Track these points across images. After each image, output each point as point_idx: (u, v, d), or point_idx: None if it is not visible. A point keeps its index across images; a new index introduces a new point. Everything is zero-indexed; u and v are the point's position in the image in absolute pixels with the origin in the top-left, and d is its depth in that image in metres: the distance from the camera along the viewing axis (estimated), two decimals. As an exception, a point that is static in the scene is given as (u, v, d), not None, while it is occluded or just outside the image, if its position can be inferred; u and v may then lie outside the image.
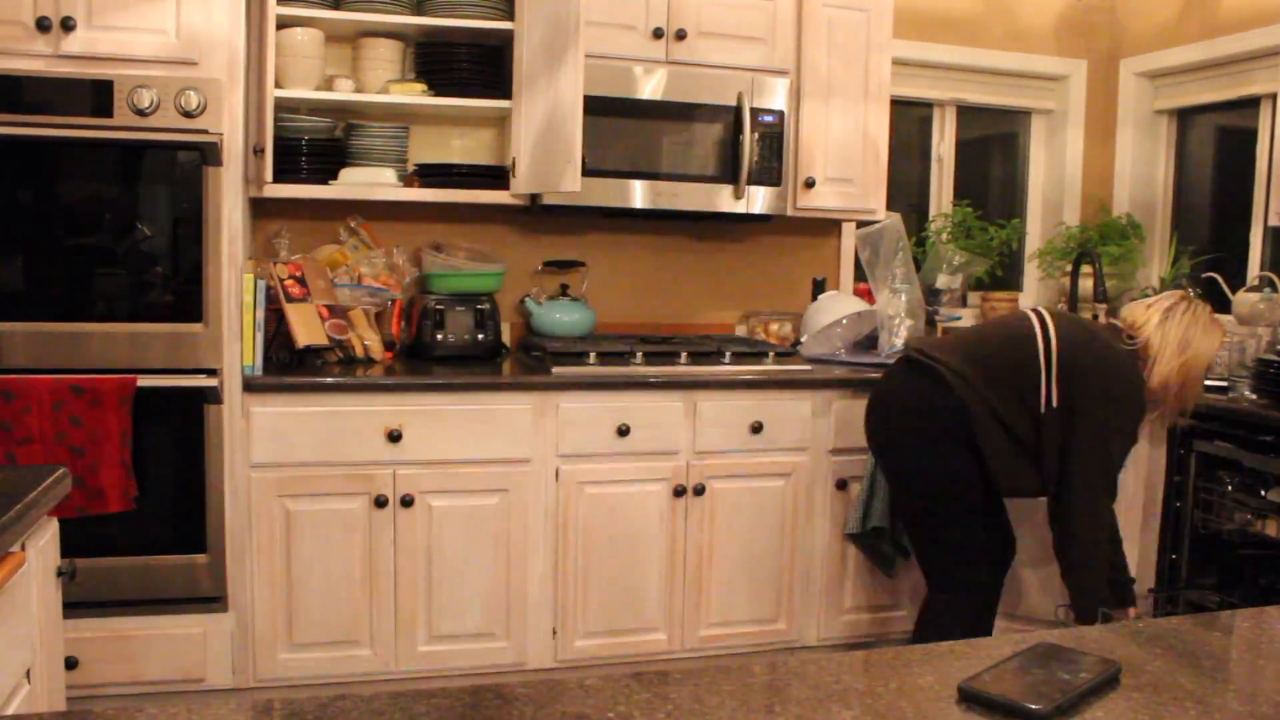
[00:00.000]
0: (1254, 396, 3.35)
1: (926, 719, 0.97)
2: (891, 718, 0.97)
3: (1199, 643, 1.20)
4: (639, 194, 3.81)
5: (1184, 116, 4.83)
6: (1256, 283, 3.97)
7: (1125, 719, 0.97)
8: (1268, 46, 4.17)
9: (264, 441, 3.24)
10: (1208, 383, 3.54)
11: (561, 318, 4.01)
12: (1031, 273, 5.06)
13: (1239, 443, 3.27)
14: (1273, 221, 3.75)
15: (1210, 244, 4.67)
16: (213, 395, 3.16)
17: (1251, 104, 4.42)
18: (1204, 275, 4.37)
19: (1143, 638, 1.21)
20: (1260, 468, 3.22)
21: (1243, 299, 3.86)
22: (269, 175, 3.40)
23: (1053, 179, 5.07)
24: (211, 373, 3.16)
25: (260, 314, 3.30)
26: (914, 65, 4.67)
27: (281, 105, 3.54)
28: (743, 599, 3.70)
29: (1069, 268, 4.47)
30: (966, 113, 4.98)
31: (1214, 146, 4.78)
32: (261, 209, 3.78)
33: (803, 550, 3.74)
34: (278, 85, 3.47)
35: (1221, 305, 4.17)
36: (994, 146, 5.20)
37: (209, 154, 3.10)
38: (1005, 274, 4.91)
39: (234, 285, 3.20)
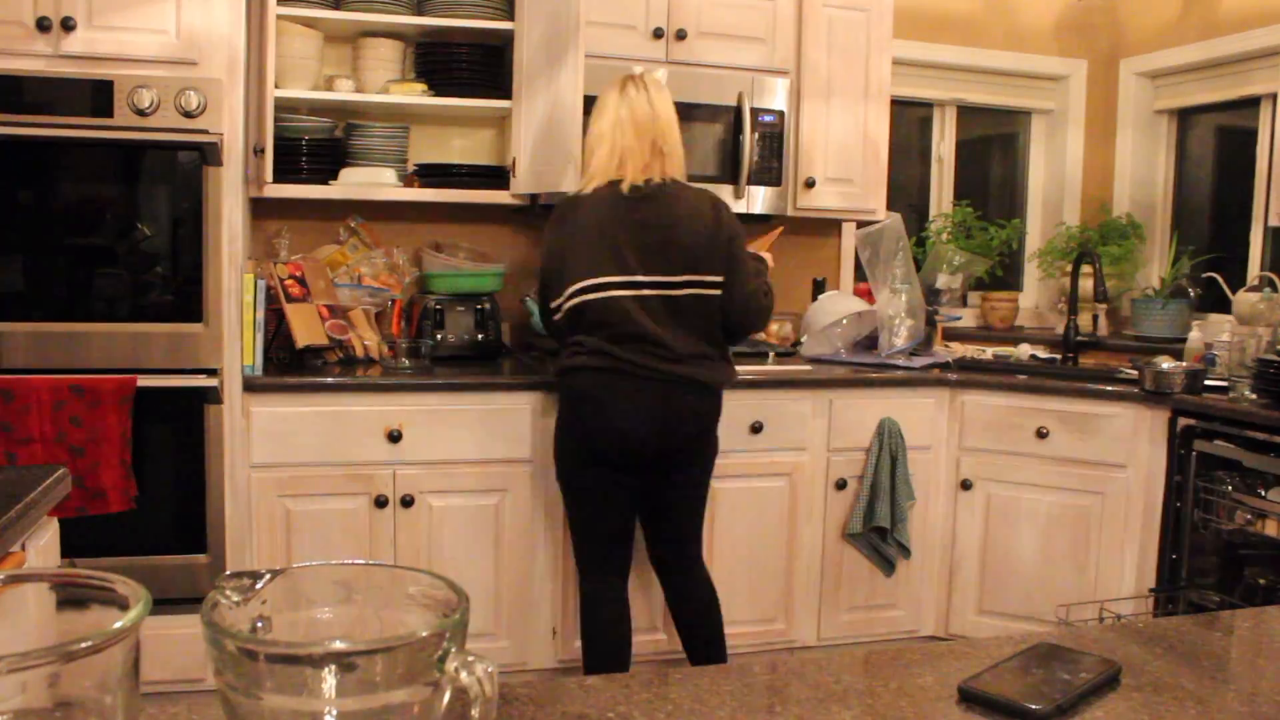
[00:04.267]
0: (1254, 396, 3.35)
1: (926, 719, 0.97)
2: (891, 717, 0.97)
3: (1199, 643, 1.20)
4: (639, 194, 3.81)
5: (1184, 116, 4.84)
6: (1256, 282, 3.97)
7: (1125, 719, 0.98)
8: (1268, 46, 4.18)
9: (264, 441, 3.24)
10: (1208, 382, 3.55)
11: (561, 318, 4.00)
12: (1031, 273, 5.06)
13: (1239, 443, 3.27)
14: (1273, 221, 3.75)
15: (1210, 244, 4.67)
16: (213, 395, 3.16)
17: (1251, 104, 4.42)
18: (1204, 275, 4.37)
19: (1143, 638, 1.21)
20: (1260, 468, 3.22)
21: (1243, 299, 3.86)
22: (269, 175, 3.40)
23: (1053, 179, 5.07)
24: (212, 373, 3.16)
25: (260, 314, 3.30)
26: (914, 65, 4.67)
27: (281, 105, 3.54)
28: (742, 599, 3.70)
29: (1069, 268, 4.47)
30: (966, 113, 4.98)
31: (1214, 146, 4.79)
32: (261, 209, 3.78)
33: (802, 550, 3.74)
34: (278, 85, 3.47)
35: (1221, 305, 4.17)
36: (994, 146, 5.20)
37: (209, 154, 3.10)
38: (1005, 274, 4.92)
39: (234, 285, 3.20)
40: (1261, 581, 3.37)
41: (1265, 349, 3.55)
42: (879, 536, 3.74)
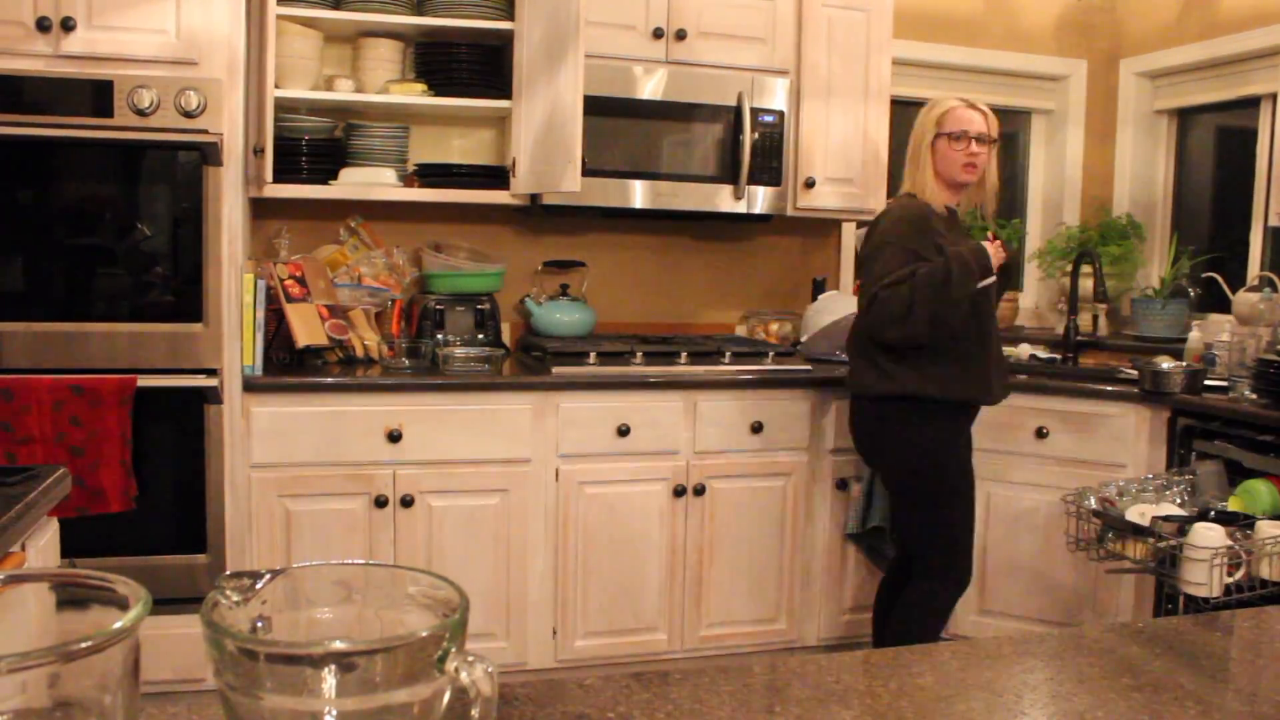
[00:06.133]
0: (1254, 396, 3.35)
1: (927, 718, 0.97)
2: (891, 717, 0.97)
3: (1199, 643, 1.20)
4: (639, 194, 3.81)
5: (1184, 116, 4.83)
6: (1256, 283, 3.97)
7: (1125, 719, 0.98)
8: (1267, 46, 4.17)
9: (264, 441, 3.24)
10: (1208, 382, 3.55)
11: (561, 318, 4.01)
12: (1032, 272, 5.06)
13: (1239, 443, 3.27)
14: (1273, 221, 3.75)
15: (1210, 244, 4.67)
16: (213, 395, 3.16)
17: (1251, 104, 4.42)
18: (1204, 275, 4.37)
19: (1143, 637, 1.21)
20: (1260, 468, 3.22)
21: (1243, 299, 3.86)
22: (269, 175, 3.40)
23: (1053, 179, 5.07)
24: (211, 373, 3.16)
25: (260, 314, 3.31)
26: (914, 65, 4.67)
27: (281, 105, 3.54)
28: (742, 599, 3.70)
29: (1069, 268, 4.47)
30: (966, 113, 4.97)
31: (1214, 146, 4.79)
32: (261, 209, 3.78)
33: (803, 550, 3.74)
34: (278, 85, 3.47)
35: (1221, 305, 4.17)
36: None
37: (209, 154, 3.10)
38: (1005, 273, 4.91)
39: (234, 285, 3.20)
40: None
41: (1265, 349, 3.55)
42: (877, 537, 3.74)
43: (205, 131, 3.10)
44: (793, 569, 3.74)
